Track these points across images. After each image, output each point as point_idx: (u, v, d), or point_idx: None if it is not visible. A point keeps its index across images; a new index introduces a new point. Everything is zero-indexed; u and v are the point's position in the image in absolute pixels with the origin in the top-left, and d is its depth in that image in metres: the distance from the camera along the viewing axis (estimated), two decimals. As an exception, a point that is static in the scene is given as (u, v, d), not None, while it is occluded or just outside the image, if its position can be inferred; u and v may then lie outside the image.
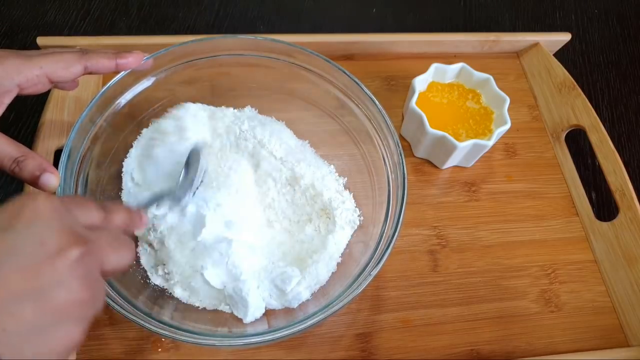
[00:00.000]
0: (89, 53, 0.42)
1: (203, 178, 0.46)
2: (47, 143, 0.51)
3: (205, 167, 0.47)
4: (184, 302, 0.45)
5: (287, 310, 0.45)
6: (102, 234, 0.29)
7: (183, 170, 0.45)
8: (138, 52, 0.45)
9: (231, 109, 0.53)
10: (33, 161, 0.38)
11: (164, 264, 0.45)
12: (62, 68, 0.41)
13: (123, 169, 0.49)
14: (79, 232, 0.27)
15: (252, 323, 0.44)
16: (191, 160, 0.45)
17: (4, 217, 0.26)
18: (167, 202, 0.44)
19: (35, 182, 0.38)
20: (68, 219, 0.27)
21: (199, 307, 0.45)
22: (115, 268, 0.29)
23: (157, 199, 0.43)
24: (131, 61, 0.44)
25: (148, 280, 0.45)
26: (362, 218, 0.49)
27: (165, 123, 0.50)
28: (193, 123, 0.50)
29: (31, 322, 0.24)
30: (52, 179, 0.39)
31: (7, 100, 0.40)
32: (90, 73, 0.43)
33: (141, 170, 0.49)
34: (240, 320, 0.44)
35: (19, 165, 0.38)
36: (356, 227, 0.49)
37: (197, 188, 0.46)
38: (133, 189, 0.48)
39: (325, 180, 0.50)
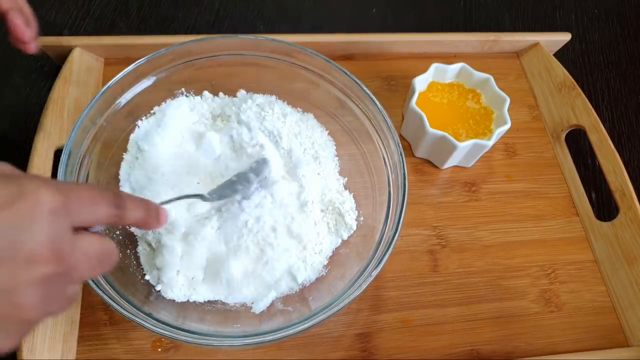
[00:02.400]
0: None
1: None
2: (47, 143, 0.51)
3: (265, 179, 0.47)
4: (181, 302, 0.45)
5: (287, 311, 0.45)
6: (88, 246, 0.26)
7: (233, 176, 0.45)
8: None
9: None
10: None
11: (159, 269, 0.45)
12: None
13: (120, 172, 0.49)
14: (62, 246, 0.25)
15: (252, 323, 0.44)
16: (258, 169, 0.46)
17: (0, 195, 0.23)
18: (195, 200, 0.42)
19: None
20: (61, 226, 0.25)
21: (196, 301, 0.45)
22: (87, 279, 0.27)
23: (181, 198, 0.41)
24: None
25: (148, 280, 0.45)
26: (362, 218, 0.49)
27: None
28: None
29: None
30: None
31: None
32: None
33: (133, 172, 0.49)
34: (239, 320, 0.44)
35: None
36: (356, 228, 0.49)
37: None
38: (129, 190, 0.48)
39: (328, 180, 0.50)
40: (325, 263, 0.48)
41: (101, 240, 0.28)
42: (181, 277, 0.44)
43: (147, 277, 0.45)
